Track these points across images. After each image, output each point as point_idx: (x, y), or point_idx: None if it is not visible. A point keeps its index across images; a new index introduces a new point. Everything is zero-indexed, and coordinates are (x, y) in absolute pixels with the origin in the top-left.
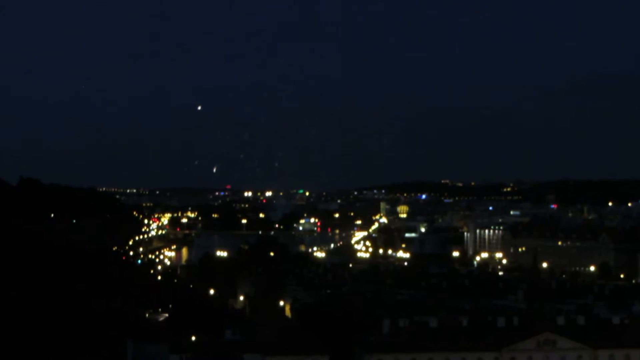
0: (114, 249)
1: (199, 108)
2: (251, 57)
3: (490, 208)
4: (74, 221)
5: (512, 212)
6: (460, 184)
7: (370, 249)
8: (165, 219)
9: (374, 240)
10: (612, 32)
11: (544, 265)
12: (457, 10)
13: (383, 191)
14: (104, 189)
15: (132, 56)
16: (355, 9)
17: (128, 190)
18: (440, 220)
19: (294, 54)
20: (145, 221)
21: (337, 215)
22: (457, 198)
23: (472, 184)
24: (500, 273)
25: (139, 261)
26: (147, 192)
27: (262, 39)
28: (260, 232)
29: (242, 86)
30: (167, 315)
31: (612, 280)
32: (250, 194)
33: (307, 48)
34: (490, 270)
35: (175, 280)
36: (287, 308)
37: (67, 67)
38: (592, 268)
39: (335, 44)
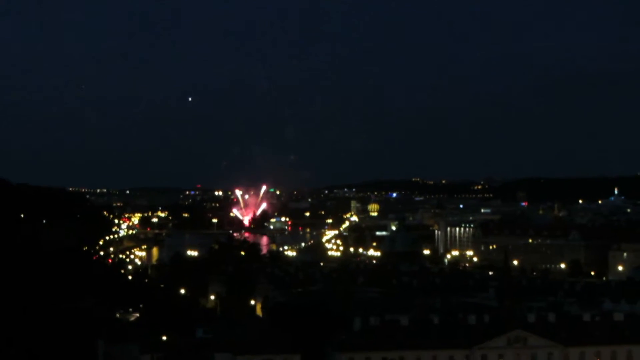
0: (84, 249)
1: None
2: (222, 57)
3: (461, 206)
4: (44, 221)
5: (482, 210)
6: (430, 182)
7: (341, 248)
8: (136, 219)
9: (345, 238)
10: (582, 32)
11: (515, 262)
12: (433, 13)
13: (354, 190)
14: (74, 188)
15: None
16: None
17: (98, 190)
18: (411, 219)
19: (270, 54)
20: (116, 221)
21: (307, 214)
22: (427, 196)
23: (443, 182)
24: (472, 271)
25: (110, 261)
26: (117, 192)
27: (234, 40)
28: (231, 231)
29: (213, 86)
30: (138, 315)
31: (582, 277)
32: (220, 193)
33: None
34: (461, 268)
35: (146, 280)
36: (258, 307)
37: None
38: (563, 265)
39: (315, 46)
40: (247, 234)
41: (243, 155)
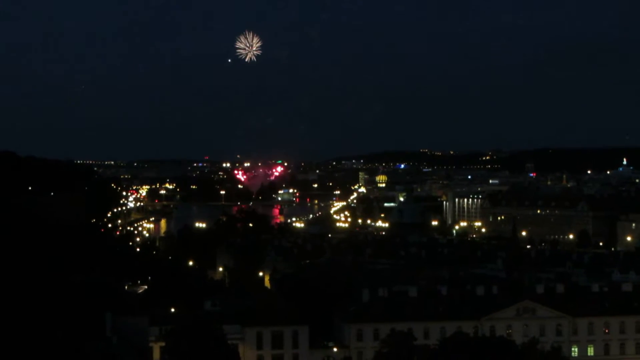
0: (92, 221)
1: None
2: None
3: (469, 177)
4: (52, 194)
5: (491, 181)
6: (439, 153)
7: (349, 219)
8: (143, 191)
9: (353, 210)
10: (586, 1)
11: (523, 233)
12: None
13: (362, 161)
14: (81, 161)
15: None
16: None
17: (106, 162)
18: (419, 190)
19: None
20: (123, 193)
21: (315, 185)
22: (436, 167)
23: (451, 152)
24: (480, 242)
25: (117, 233)
26: (124, 164)
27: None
28: (238, 203)
29: (222, 57)
30: (146, 287)
31: (591, 248)
32: (228, 164)
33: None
34: (469, 239)
35: (154, 253)
36: (267, 279)
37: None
38: (571, 236)
39: (323, 17)
40: (255, 206)
41: (251, 127)
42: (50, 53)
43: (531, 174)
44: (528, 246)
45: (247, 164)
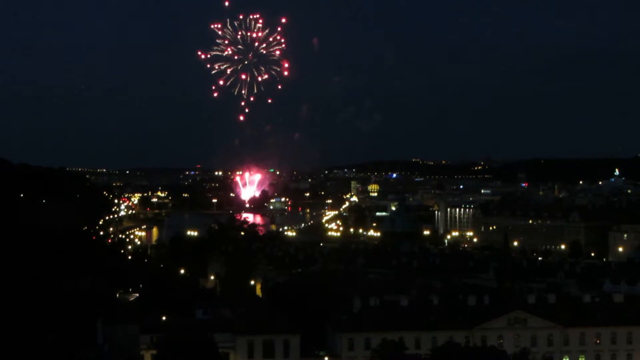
0: (83, 229)
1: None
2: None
3: (461, 187)
4: (44, 201)
5: (482, 191)
6: (431, 163)
7: (341, 228)
8: (135, 199)
9: (345, 219)
10: (581, 11)
11: (515, 243)
12: None
13: (354, 170)
14: (73, 168)
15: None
16: None
17: (98, 170)
18: (411, 199)
19: None
20: (115, 201)
21: (307, 194)
22: (428, 177)
23: (443, 162)
24: (472, 252)
25: (109, 241)
26: (117, 172)
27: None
28: (230, 212)
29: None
30: (137, 295)
31: (582, 258)
32: (220, 173)
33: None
34: (461, 249)
35: (146, 260)
36: (258, 287)
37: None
38: (563, 246)
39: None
40: (246, 215)
41: (243, 136)
42: (44, 60)
43: (523, 184)
44: (523, 256)
45: (238, 172)
